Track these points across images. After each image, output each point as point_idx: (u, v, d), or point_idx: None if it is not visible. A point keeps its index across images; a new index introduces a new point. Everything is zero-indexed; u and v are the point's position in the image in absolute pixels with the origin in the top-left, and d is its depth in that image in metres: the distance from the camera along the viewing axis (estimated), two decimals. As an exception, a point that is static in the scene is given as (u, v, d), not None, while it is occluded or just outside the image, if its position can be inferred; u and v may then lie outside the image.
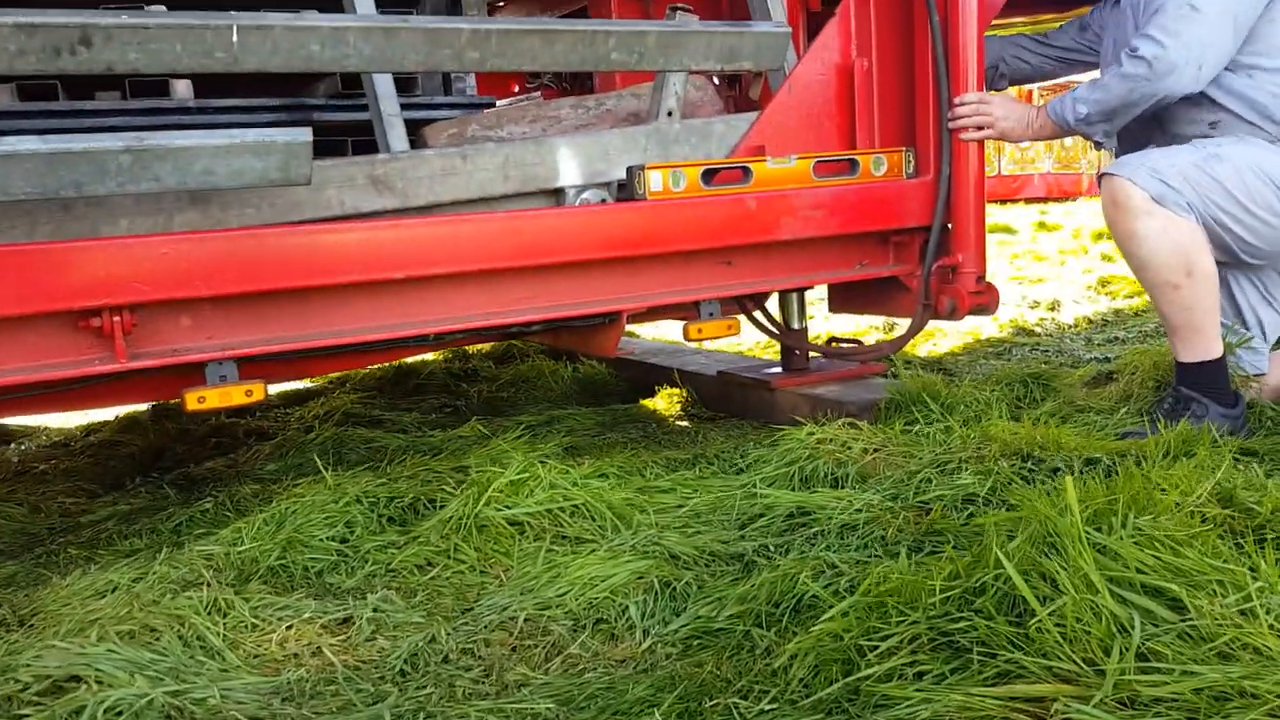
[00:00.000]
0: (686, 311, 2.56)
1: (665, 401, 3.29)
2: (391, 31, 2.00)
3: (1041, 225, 9.42)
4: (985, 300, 2.68)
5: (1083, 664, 1.20)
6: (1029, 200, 14.14)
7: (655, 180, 2.33)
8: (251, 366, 2.04)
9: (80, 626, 1.62)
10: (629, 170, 2.35)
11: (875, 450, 2.28)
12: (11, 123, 2.29)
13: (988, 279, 2.70)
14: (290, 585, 1.83)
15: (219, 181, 1.86)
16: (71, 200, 1.88)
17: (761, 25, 2.48)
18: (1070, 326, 4.48)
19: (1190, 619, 1.23)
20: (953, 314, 2.68)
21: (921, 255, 2.71)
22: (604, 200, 2.39)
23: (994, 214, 10.62)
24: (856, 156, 2.61)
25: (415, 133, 2.44)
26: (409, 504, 2.13)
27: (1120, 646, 1.19)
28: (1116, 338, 4.04)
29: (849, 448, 2.29)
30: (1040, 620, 1.24)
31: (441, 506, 2.07)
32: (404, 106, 2.38)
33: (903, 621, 1.33)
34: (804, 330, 3.05)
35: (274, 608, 1.68)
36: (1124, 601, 1.25)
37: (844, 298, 3.06)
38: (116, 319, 1.86)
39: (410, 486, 2.20)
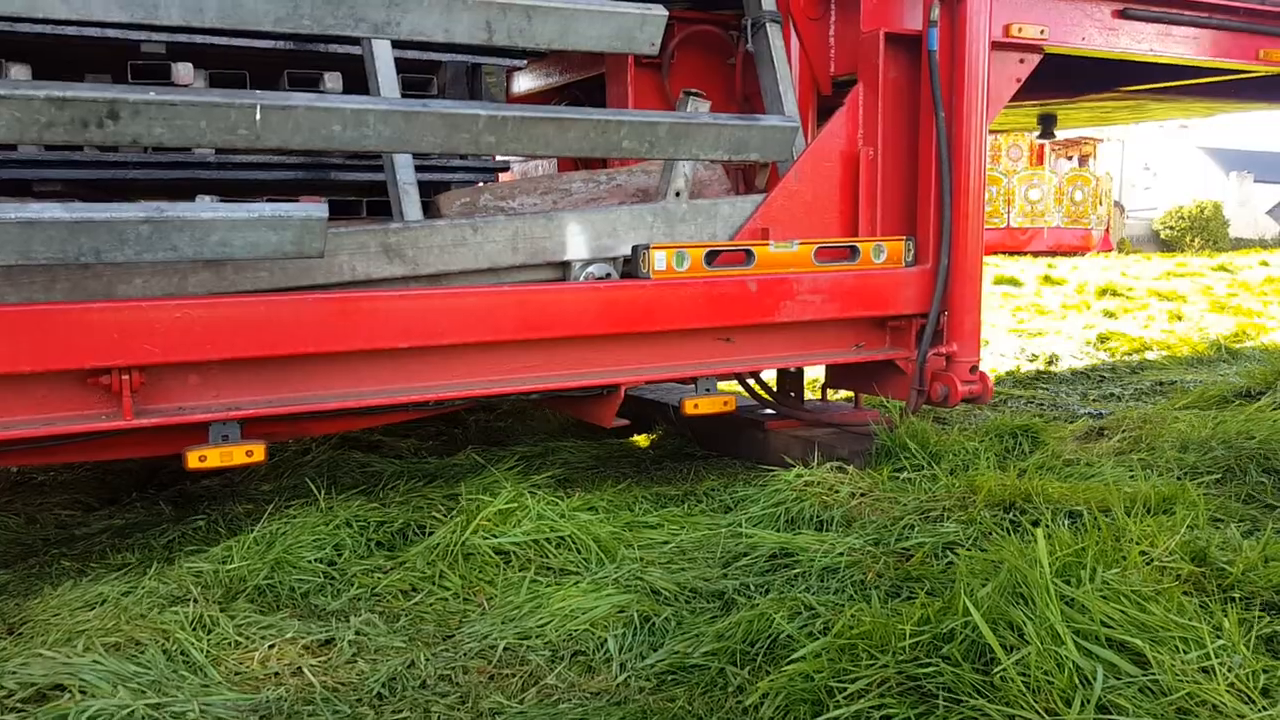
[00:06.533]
0: (685, 380, 2.61)
1: (660, 437, 3.32)
2: (411, 115, 2.04)
3: (1047, 279, 9.45)
4: (978, 390, 2.72)
5: (1044, 713, 1.22)
6: (1036, 254, 14.19)
7: (659, 260, 2.38)
8: (253, 425, 2.07)
9: (67, 636, 1.65)
10: (634, 249, 2.40)
11: (862, 495, 2.31)
12: (37, 172, 2.33)
13: (981, 368, 2.74)
14: (276, 604, 1.86)
15: (234, 253, 1.90)
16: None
17: (770, 119, 2.52)
18: (1066, 381, 4.50)
19: (1152, 674, 1.25)
20: (945, 401, 2.71)
21: (917, 341, 2.74)
22: (609, 274, 2.44)
23: (1001, 265, 10.69)
24: (858, 244, 2.65)
25: (428, 194, 2.47)
26: (398, 529, 2.16)
27: (1082, 698, 1.21)
28: (1112, 394, 4.06)
29: (836, 491, 2.31)
30: (1005, 669, 1.26)
31: (430, 533, 2.10)
32: (418, 169, 2.41)
33: (872, 665, 1.35)
34: (800, 396, 3.09)
35: (258, 626, 1.71)
36: (1088, 654, 1.27)
37: (841, 376, 3.12)
38: (125, 377, 1.89)
39: (401, 512, 2.23)
